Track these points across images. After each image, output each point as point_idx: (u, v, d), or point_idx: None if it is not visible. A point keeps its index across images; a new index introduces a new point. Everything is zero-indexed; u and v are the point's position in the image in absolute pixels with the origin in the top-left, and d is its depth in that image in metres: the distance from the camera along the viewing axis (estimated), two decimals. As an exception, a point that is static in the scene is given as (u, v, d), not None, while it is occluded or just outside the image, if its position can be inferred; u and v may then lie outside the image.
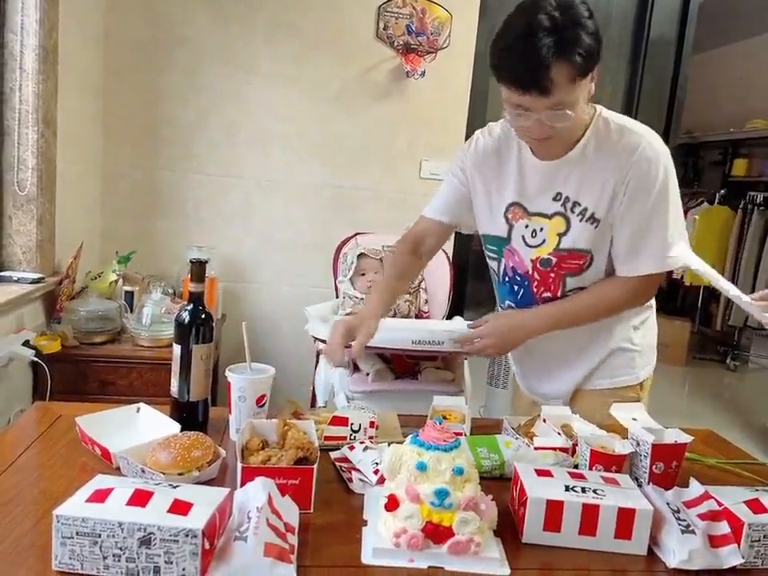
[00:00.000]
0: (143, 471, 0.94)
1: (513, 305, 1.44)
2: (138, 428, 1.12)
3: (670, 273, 5.83)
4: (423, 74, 2.80)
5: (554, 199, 1.31)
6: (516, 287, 1.41)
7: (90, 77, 2.58)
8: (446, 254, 2.51)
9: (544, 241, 1.33)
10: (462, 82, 2.88)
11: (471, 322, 1.45)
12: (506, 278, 1.43)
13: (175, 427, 1.10)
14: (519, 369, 1.58)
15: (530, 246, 1.35)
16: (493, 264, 1.46)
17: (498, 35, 1.15)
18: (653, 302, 1.45)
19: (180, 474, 0.95)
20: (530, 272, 1.37)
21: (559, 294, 1.35)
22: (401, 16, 2.79)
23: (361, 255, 2.20)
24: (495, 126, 1.42)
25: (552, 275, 1.34)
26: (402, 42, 2.79)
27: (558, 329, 1.36)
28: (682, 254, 1.26)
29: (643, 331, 1.45)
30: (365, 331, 1.27)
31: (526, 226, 1.35)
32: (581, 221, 1.29)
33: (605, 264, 1.32)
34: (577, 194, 1.28)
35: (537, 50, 1.08)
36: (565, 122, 1.16)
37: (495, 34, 1.15)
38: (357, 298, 2.20)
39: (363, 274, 2.20)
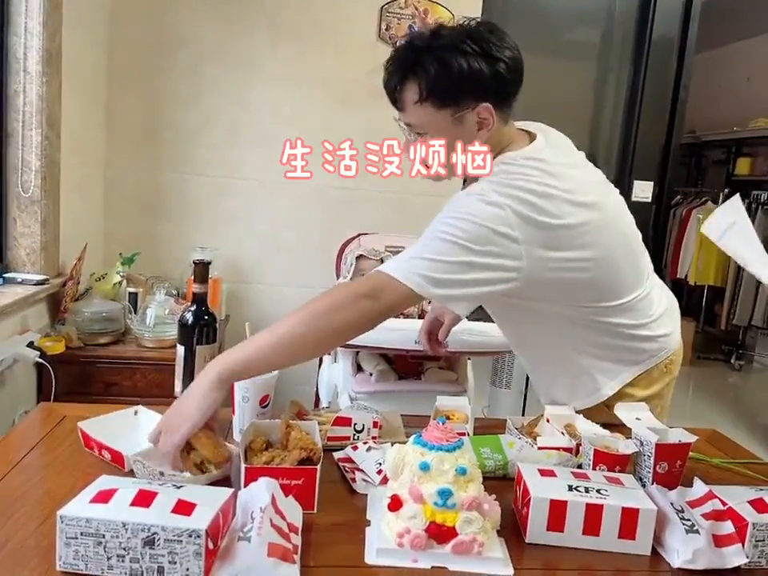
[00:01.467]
0: (162, 474, 0.94)
1: None
2: (140, 430, 1.11)
3: (675, 272, 5.79)
4: (426, 74, 2.80)
5: None
6: None
7: (93, 79, 2.58)
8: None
9: None
10: (465, 82, 2.88)
11: None
12: None
13: None
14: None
15: None
16: None
17: None
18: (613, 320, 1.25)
19: (203, 472, 0.95)
20: None
21: None
22: (403, 16, 2.79)
23: (359, 257, 2.21)
24: None
25: None
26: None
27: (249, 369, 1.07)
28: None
29: (599, 351, 1.29)
30: (450, 314, 1.43)
31: None
32: None
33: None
34: None
35: (394, 66, 1.15)
36: (414, 139, 1.16)
37: None
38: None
39: (363, 275, 2.21)
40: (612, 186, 1.31)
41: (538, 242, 1.08)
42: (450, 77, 1.09)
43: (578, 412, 1.23)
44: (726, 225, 1.13)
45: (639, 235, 1.30)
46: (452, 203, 1.15)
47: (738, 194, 1.11)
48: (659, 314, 1.31)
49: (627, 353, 1.29)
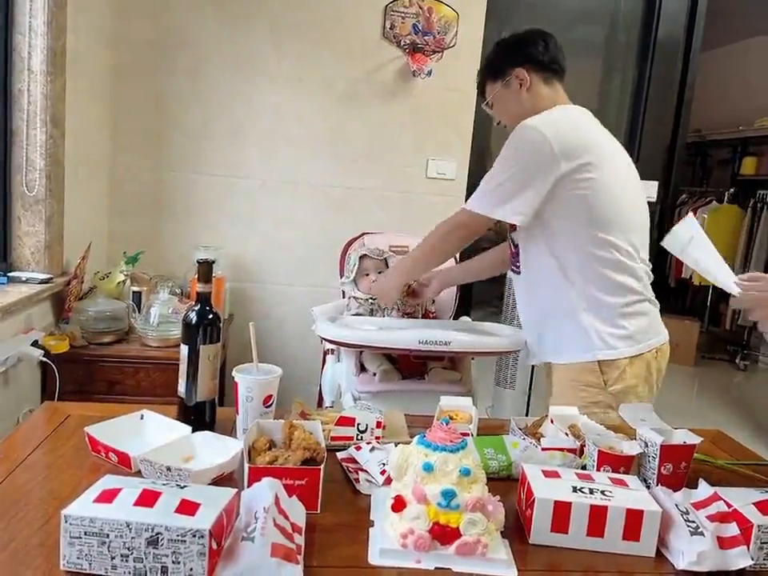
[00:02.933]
0: (168, 470, 0.94)
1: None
2: (146, 433, 1.12)
3: (680, 272, 5.78)
4: (430, 73, 2.79)
5: None
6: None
7: (97, 78, 2.59)
8: (453, 253, 2.51)
9: None
10: (469, 82, 2.84)
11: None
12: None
13: (182, 429, 1.10)
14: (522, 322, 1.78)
15: None
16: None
17: None
18: (634, 290, 1.51)
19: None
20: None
21: (512, 250, 1.67)
22: (407, 15, 2.79)
23: (363, 257, 2.20)
24: None
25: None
26: (408, 42, 2.78)
27: (409, 269, 1.82)
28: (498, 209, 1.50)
29: (613, 316, 1.50)
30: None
31: None
32: None
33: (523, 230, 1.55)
34: None
35: (482, 66, 1.73)
36: (495, 113, 1.68)
37: None
38: (361, 299, 2.20)
39: (367, 275, 2.20)
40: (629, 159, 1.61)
41: (563, 156, 1.43)
42: (495, 58, 1.66)
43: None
44: (685, 240, 1.21)
45: (644, 200, 1.60)
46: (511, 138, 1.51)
47: (691, 214, 1.22)
48: (650, 295, 1.55)
49: (622, 316, 1.49)
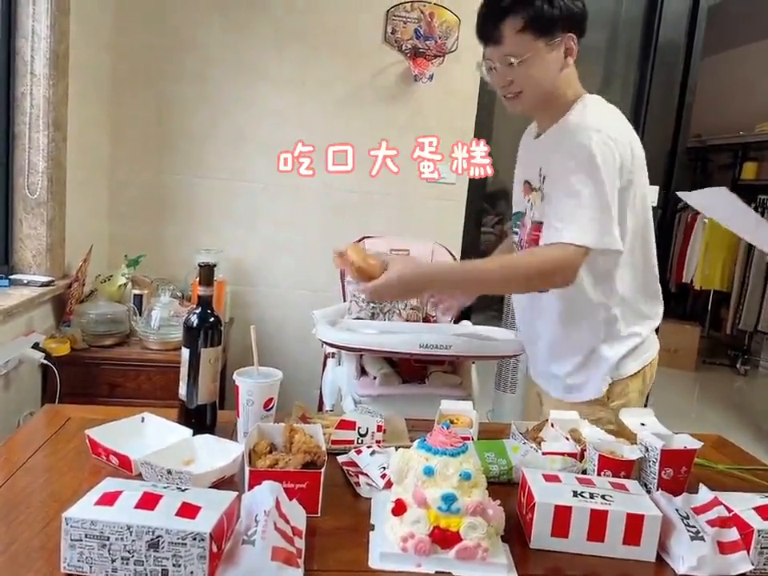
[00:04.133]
0: (169, 473, 0.94)
1: None
2: (147, 436, 1.12)
3: (681, 277, 5.78)
4: (431, 77, 2.80)
5: (538, 174, 1.39)
6: None
7: (100, 82, 2.60)
8: (454, 257, 2.51)
9: (534, 214, 1.40)
10: (470, 86, 2.88)
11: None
12: (517, 250, 1.51)
13: (183, 432, 1.10)
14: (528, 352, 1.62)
15: (529, 219, 1.43)
16: (515, 237, 1.52)
17: None
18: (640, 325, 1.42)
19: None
20: (525, 244, 1.44)
21: None
22: (409, 20, 2.80)
23: None
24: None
25: (529, 246, 1.42)
26: (409, 46, 2.79)
27: (463, 286, 1.40)
28: (606, 237, 1.24)
29: (618, 346, 1.41)
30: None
31: (528, 200, 1.44)
32: (542, 194, 1.37)
33: None
34: (545, 168, 1.36)
35: (493, 5, 1.30)
36: (515, 75, 1.29)
37: None
38: (367, 303, 2.20)
39: (371, 278, 2.21)
40: None
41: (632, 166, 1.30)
42: (551, 10, 1.27)
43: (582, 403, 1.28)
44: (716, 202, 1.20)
45: None
46: (573, 152, 1.27)
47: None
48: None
49: (629, 337, 1.41)
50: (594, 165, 1.23)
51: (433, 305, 1.68)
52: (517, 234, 1.50)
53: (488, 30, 1.30)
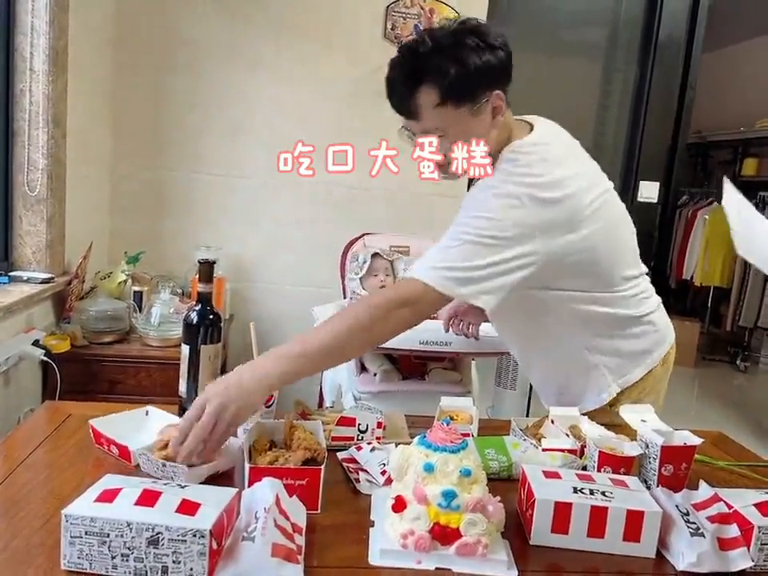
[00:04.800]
0: (164, 465, 0.95)
1: None
2: (150, 430, 1.13)
3: (681, 273, 5.79)
4: (431, 74, 2.79)
5: None
6: None
7: (99, 78, 2.59)
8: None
9: None
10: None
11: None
12: None
13: None
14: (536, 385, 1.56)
15: None
16: None
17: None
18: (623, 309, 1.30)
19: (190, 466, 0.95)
20: None
21: None
22: (408, 16, 2.79)
23: (375, 255, 2.20)
24: None
25: None
26: (409, 42, 2.78)
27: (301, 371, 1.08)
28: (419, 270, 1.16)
29: (610, 342, 1.32)
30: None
31: None
32: None
33: None
34: None
35: (402, 76, 1.16)
36: (443, 149, 1.16)
37: None
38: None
39: (375, 275, 2.20)
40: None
41: (554, 225, 1.14)
42: (468, 74, 1.12)
43: (584, 414, 1.23)
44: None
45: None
46: (468, 201, 1.21)
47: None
48: (657, 303, 1.36)
49: (635, 343, 1.32)
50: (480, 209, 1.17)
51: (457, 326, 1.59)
52: None
53: (402, 104, 1.18)
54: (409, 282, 1.15)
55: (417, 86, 1.14)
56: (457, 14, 2.79)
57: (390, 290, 1.25)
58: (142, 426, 1.14)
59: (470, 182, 2.85)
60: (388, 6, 2.78)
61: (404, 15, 2.79)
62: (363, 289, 2.21)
